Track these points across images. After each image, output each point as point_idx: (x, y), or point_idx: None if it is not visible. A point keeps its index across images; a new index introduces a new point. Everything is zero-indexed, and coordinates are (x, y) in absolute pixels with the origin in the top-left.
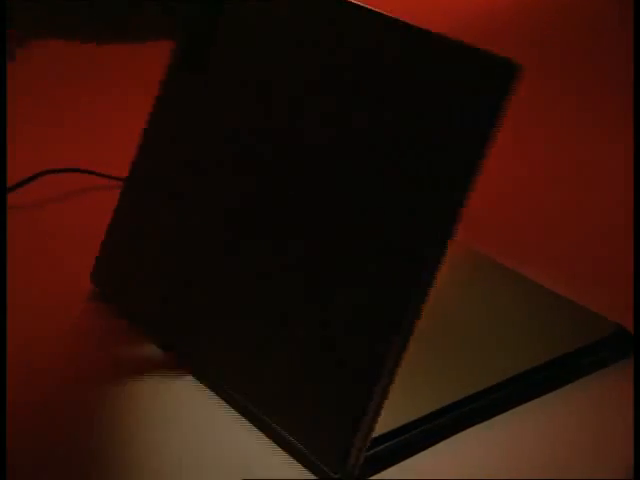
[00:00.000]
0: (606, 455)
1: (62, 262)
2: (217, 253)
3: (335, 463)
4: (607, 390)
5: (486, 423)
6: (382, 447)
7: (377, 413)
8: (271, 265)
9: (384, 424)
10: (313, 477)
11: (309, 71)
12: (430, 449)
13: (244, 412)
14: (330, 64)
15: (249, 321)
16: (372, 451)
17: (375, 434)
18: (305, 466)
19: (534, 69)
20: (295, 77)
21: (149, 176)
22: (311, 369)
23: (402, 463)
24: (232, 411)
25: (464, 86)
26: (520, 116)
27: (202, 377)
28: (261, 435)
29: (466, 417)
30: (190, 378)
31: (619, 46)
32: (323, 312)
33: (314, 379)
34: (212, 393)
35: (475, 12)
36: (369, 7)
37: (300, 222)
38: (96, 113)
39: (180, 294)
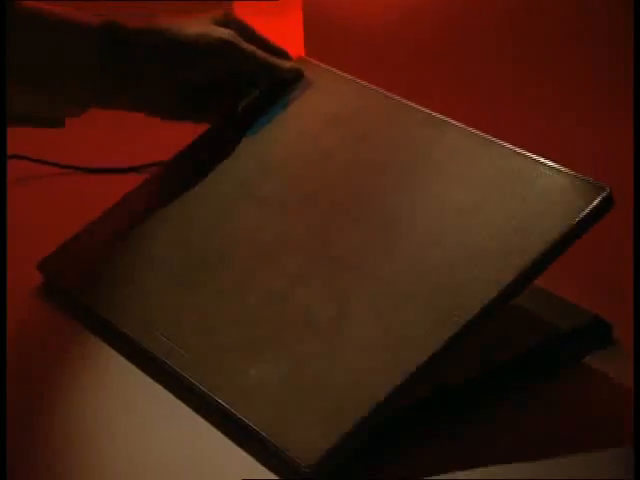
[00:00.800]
0: (603, 452)
1: (8, 250)
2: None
3: (313, 458)
4: (590, 385)
5: (471, 417)
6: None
7: (371, 422)
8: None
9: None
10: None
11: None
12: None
13: (203, 408)
14: (416, 175)
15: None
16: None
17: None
18: (267, 465)
19: (533, 55)
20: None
21: (160, 193)
22: (308, 373)
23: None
24: (182, 405)
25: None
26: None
27: (162, 375)
28: (218, 433)
29: (442, 412)
30: (145, 376)
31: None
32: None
33: (307, 382)
34: (164, 389)
35: None
36: (461, 125)
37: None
38: None
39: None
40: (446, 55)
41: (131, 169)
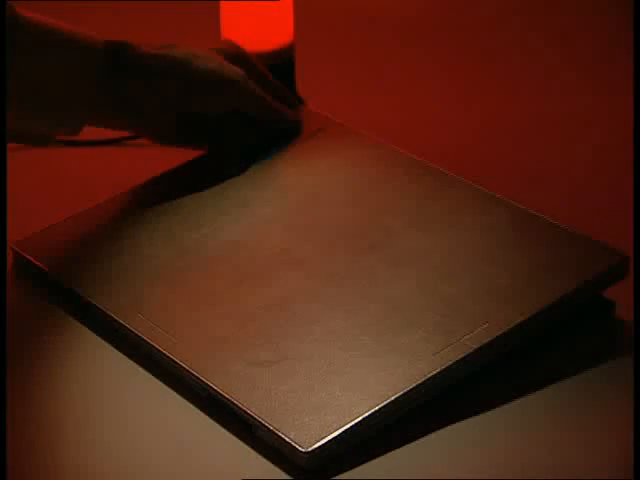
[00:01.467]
0: (601, 451)
1: None
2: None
3: (313, 443)
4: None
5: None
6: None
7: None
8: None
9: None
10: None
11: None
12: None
13: (191, 394)
14: (428, 223)
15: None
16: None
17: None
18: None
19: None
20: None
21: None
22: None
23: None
24: (167, 389)
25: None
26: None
27: (146, 359)
28: (207, 419)
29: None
30: (128, 360)
31: None
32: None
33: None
34: (149, 374)
35: None
36: (479, 187)
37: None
38: None
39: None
40: (443, 38)
41: (114, 141)
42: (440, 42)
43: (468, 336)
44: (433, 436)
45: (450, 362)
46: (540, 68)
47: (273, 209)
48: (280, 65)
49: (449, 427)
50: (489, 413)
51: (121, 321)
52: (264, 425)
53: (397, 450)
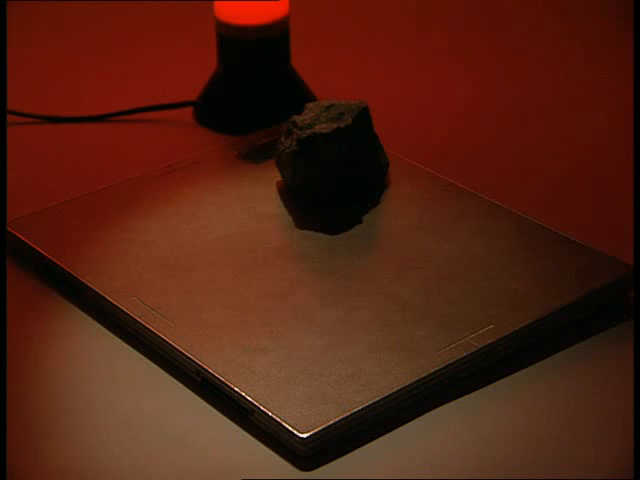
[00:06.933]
0: (602, 449)
1: None
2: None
3: (311, 429)
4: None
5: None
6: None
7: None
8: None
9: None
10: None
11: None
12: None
13: (186, 379)
14: (432, 229)
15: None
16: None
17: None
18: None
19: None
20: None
21: None
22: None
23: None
24: (161, 372)
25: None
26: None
27: (141, 343)
28: (204, 404)
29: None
30: (122, 342)
31: None
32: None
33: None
34: (145, 358)
35: None
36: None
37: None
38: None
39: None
40: (443, 13)
41: (99, 118)
42: (441, 26)
43: (472, 336)
44: (431, 428)
45: (453, 360)
46: (542, 70)
47: (273, 208)
48: (274, 38)
49: (448, 421)
50: (488, 411)
51: (116, 304)
52: (261, 410)
53: (393, 439)
